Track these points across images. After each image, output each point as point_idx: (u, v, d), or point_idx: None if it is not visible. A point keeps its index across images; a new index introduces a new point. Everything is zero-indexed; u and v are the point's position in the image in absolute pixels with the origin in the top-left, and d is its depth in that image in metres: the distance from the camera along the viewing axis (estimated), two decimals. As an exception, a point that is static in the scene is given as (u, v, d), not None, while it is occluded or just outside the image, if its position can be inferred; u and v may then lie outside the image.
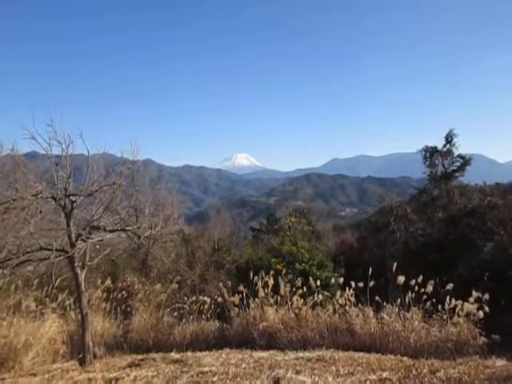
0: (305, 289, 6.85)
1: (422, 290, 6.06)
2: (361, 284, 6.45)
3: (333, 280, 7.89)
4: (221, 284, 7.16)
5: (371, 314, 6.18)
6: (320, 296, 6.75)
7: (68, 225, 5.50)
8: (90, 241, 5.62)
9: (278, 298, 6.76)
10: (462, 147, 15.69)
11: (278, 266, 10.24)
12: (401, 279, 6.16)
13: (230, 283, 7.08)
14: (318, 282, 7.02)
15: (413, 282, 6.12)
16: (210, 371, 4.91)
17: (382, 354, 5.56)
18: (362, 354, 5.53)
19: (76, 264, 5.63)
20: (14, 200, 5.16)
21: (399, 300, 6.09)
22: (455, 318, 5.87)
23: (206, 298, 7.13)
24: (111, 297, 7.38)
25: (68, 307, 6.78)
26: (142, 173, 16.93)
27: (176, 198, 14.78)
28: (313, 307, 6.62)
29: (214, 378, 4.68)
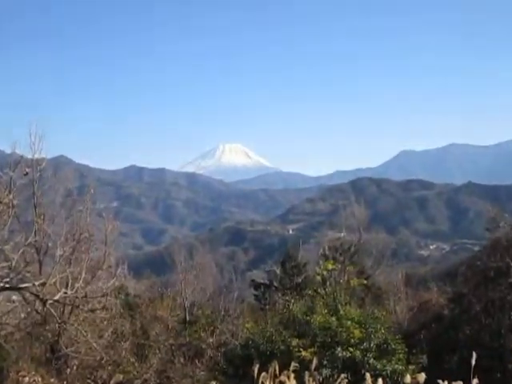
0: (354, 393, 6.87)
1: None
2: (458, 384, 6.41)
3: (407, 379, 7.88)
4: (198, 387, 7.23)
5: None
6: (383, 406, 6.69)
7: None
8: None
9: (305, 410, 6.72)
10: None
11: (305, 353, 10.35)
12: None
13: (215, 385, 7.10)
14: (380, 381, 6.93)
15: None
16: None
17: None
18: None
19: None
20: None
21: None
22: None
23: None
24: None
25: None
26: (51, 181, 16.95)
27: (113, 228, 14.87)
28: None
29: None
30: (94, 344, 13.58)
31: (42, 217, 14.93)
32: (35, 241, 13.50)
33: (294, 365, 7.08)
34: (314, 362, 7.68)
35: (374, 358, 13.21)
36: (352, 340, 13.37)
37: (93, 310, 13.63)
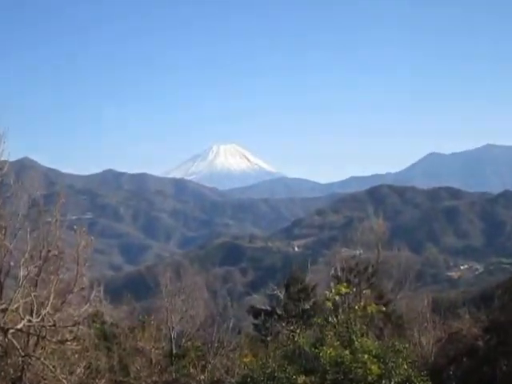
0: None
1: None
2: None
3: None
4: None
5: None
6: None
7: None
8: None
9: None
10: None
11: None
12: None
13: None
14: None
15: None
16: None
17: None
18: None
19: None
20: None
21: None
22: None
23: None
24: None
25: None
26: (13, 189, 16.09)
27: (86, 244, 14.43)
28: None
29: None
30: (64, 381, 13.37)
31: (2, 231, 14.58)
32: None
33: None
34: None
35: (396, 398, 12.91)
36: (369, 377, 12.98)
37: (62, 341, 13.53)
